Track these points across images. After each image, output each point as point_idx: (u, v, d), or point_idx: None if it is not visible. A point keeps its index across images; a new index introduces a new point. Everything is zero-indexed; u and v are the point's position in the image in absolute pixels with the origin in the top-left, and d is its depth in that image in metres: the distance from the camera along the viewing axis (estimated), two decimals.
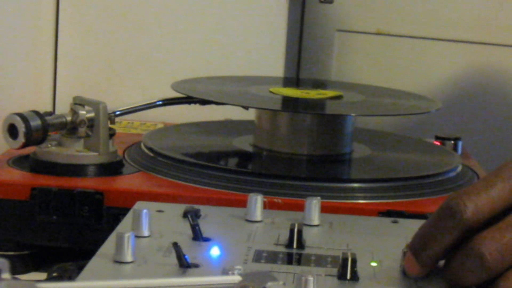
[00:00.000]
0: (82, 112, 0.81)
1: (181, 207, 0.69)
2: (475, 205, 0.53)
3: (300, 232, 0.62)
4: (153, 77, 1.16)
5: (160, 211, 0.69)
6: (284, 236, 0.63)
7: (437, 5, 1.31)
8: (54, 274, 0.67)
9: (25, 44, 1.12)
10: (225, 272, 0.52)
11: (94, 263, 0.57)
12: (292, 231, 0.62)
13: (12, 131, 0.79)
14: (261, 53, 1.16)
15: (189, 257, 0.57)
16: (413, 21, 1.32)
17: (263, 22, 1.16)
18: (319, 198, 0.68)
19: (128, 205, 0.70)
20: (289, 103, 0.94)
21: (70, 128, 0.82)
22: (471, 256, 0.53)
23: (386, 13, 1.34)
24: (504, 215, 0.54)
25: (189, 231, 0.63)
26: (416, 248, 0.56)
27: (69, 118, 0.81)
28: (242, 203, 0.70)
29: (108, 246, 0.59)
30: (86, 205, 0.75)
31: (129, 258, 0.57)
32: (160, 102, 0.92)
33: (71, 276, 0.64)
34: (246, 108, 0.92)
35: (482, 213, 0.53)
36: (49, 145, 0.81)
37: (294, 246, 0.62)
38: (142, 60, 1.16)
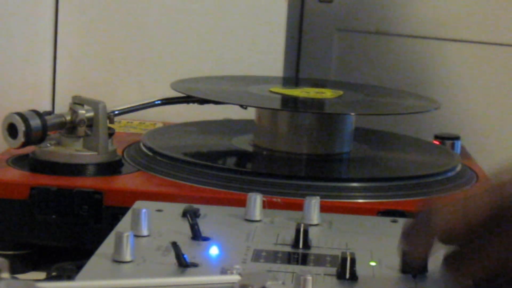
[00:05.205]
0: (81, 112, 0.81)
1: (180, 207, 0.68)
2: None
3: (306, 232, 0.62)
4: (152, 76, 1.16)
5: (159, 210, 0.69)
6: (283, 236, 0.63)
7: (437, 5, 1.31)
8: (53, 274, 0.67)
9: (25, 43, 1.12)
10: (224, 272, 0.52)
11: (93, 262, 0.57)
12: (298, 231, 0.62)
13: (11, 130, 0.79)
14: (261, 53, 1.16)
15: (188, 257, 0.57)
16: (413, 20, 1.32)
17: (263, 21, 1.16)
18: (318, 197, 0.68)
19: (127, 205, 0.70)
20: (288, 103, 0.94)
21: (70, 128, 0.82)
22: None
23: (385, 12, 1.34)
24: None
25: (188, 231, 0.63)
26: None
27: (68, 118, 0.81)
28: (241, 203, 0.70)
29: (107, 245, 0.59)
30: (85, 204, 0.75)
31: (128, 257, 0.57)
32: (159, 102, 0.92)
33: (70, 276, 0.64)
34: (244, 107, 0.92)
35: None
36: (49, 145, 0.81)
37: (300, 246, 0.62)
38: (141, 60, 1.16)
